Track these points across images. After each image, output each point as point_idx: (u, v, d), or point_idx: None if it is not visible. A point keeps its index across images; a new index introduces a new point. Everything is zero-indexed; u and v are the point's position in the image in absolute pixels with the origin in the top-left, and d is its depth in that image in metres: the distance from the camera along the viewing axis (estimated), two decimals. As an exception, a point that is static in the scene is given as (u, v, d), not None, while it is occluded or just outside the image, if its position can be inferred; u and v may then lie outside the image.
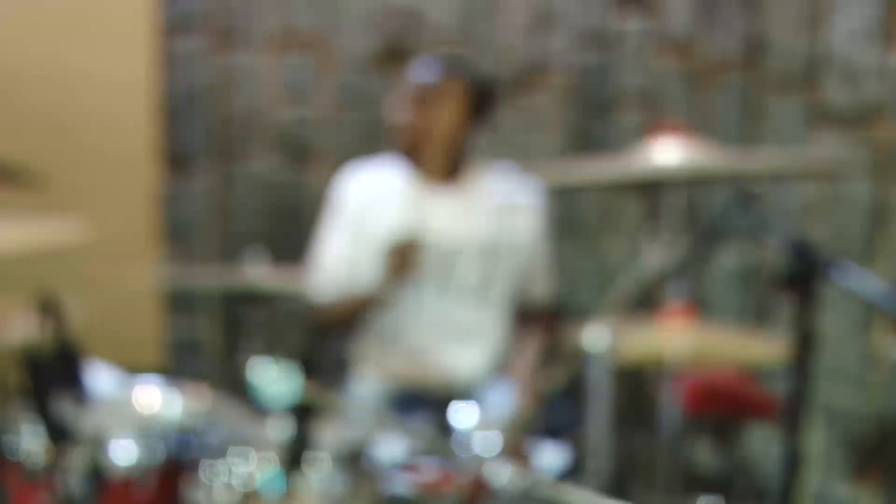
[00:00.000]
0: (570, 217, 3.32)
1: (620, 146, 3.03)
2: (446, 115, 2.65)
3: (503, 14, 3.58)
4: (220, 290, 3.52)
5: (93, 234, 1.72)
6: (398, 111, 2.72)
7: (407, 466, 1.74)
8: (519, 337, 2.71)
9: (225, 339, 3.56)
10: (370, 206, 2.69)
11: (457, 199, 2.69)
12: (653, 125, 1.73)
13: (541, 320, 2.71)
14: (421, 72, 2.76)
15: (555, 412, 2.25)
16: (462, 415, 1.98)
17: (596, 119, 3.14)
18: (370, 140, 3.61)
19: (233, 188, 3.54)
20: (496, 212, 2.70)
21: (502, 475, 1.44)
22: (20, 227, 1.77)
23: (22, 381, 1.59)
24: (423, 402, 2.60)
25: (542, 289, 2.71)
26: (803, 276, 1.94)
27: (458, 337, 2.69)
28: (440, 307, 2.66)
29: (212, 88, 3.50)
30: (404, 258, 2.54)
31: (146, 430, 1.75)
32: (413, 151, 2.68)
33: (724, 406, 2.33)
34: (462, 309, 2.68)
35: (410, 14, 3.64)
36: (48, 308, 1.57)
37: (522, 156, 3.54)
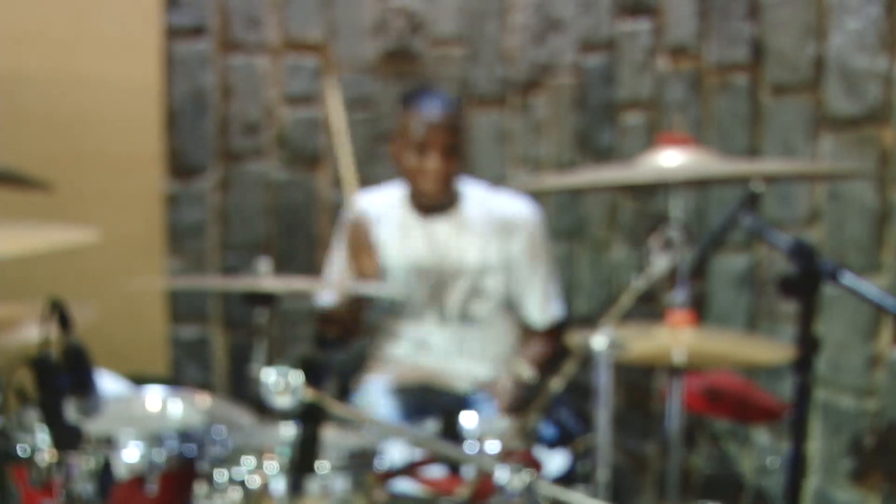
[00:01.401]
0: (575, 222, 3.33)
1: (624, 149, 3.04)
2: (451, 152, 2.66)
3: (507, 18, 3.59)
4: (226, 293, 3.52)
5: (100, 239, 1.73)
6: (407, 154, 2.68)
7: (413, 470, 1.75)
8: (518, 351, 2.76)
9: (231, 343, 3.57)
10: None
11: (450, 224, 2.73)
12: (660, 136, 1.74)
13: (538, 341, 2.76)
14: (424, 110, 2.71)
15: (559, 417, 2.26)
16: (469, 419, 1.99)
17: (600, 122, 3.15)
18: (373, 142, 3.62)
19: (237, 191, 3.55)
20: (489, 233, 2.73)
21: (507, 479, 1.44)
22: (28, 232, 1.77)
23: (30, 384, 1.59)
24: (430, 406, 2.61)
25: (541, 311, 2.76)
26: (807, 279, 1.95)
27: (457, 355, 2.72)
28: (437, 328, 2.69)
29: (216, 91, 3.51)
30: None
31: (154, 433, 1.76)
32: (419, 188, 2.69)
33: (727, 410, 2.33)
34: (458, 328, 2.71)
35: (414, 18, 3.65)
36: (57, 312, 1.58)
37: (526, 159, 3.56)
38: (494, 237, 2.72)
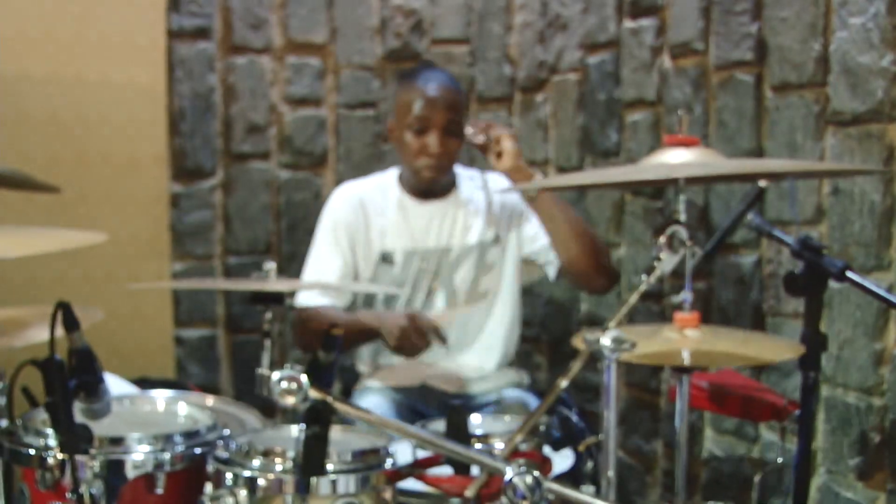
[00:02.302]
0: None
1: (629, 148, 3.04)
2: (453, 132, 2.54)
3: (511, 18, 3.59)
4: (230, 295, 3.53)
5: (106, 240, 1.73)
6: (406, 133, 2.56)
7: (421, 469, 1.75)
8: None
9: (238, 344, 3.57)
10: (363, 224, 2.64)
11: (450, 205, 2.66)
12: (665, 135, 1.74)
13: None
14: (425, 87, 2.55)
15: (564, 416, 2.25)
16: (475, 418, 2.00)
17: (605, 121, 3.15)
18: (377, 141, 3.63)
19: (241, 191, 3.55)
20: (490, 210, 2.66)
21: (516, 479, 1.44)
22: (36, 235, 1.78)
23: (38, 386, 1.60)
24: (436, 406, 2.60)
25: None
26: (814, 277, 1.95)
27: (465, 341, 2.69)
28: (448, 315, 2.64)
29: (219, 93, 3.51)
30: (409, 339, 2.42)
31: (161, 434, 1.76)
32: (418, 170, 2.58)
33: (734, 408, 2.33)
34: (468, 314, 2.66)
35: (419, 17, 3.65)
36: (64, 314, 1.58)
37: (531, 158, 3.55)
38: (498, 212, 2.66)
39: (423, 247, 2.63)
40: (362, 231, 2.65)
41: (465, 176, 2.74)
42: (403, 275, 2.63)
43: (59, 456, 1.64)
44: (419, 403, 2.66)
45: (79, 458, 1.62)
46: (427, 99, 2.53)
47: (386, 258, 2.64)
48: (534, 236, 2.66)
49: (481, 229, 2.65)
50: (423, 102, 2.52)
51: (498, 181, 2.70)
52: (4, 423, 1.80)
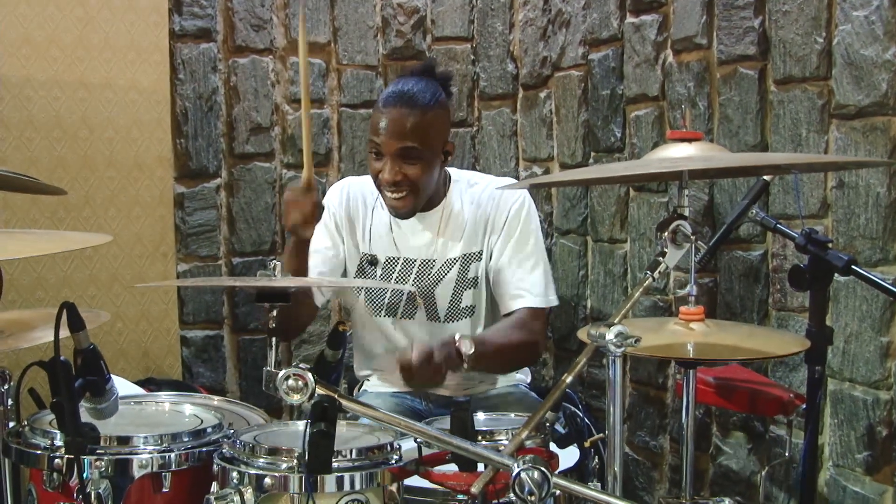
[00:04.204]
0: (586, 218, 3.32)
1: (633, 144, 3.04)
2: (411, 159, 2.41)
3: (515, 14, 3.59)
4: (236, 295, 3.53)
5: (112, 242, 1.74)
6: (368, 156, 2.46)
7: (427, 466, 1.75)
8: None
9: (243, 343, 3.57)
10: (346, 217, 2.63)
11: (435, 222, 2.59)
12: (668, 130, 1.73)
13: (503, 325, 2.50)
14: (384, 106, 2.39)
15: (569, 412, 2.25)
16: (479, 415, 1.99)
17: (608, 117, 3.15)
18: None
19: (245, 192, 3.55)
20: (474, 225, 2.58)
21: (522, 474, 1.44)
22: (42, 237, 1.78)
23: (46, 387, 1.60)
24: (440, 405, 2.60)
25: (511, 295, 2.53)
26: (819, 271, 1.95)
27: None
28: (428, 327, 2.61)
29: (223, 94, 3.51)
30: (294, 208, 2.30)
31: (168, 433, 1.77)
32: (381, 195, 2.50)
33: (740, 403, 2.33)
34: (448, 325, 2.62)
35: (421, 15, 3.65)
36: (70, 315, 1.59)
37: (535, 155, 3.55)
38: (479, 227, 2.57)
39: (405, 256, 2.59)
40: (346, 224, 2.63)
41: (466, 183, 2.65)
42: (385, 278, 2.59)
43: (66, 456, 1.64)
44: (419, 405, 2.65)
45: (85, 458, 1.62)
46: (381, 123, 2.39)
47: (371, 261, 2.61)
48: (497, 267, 2.57)
49: (465, 243, 2.59)
50: (376, 126, 2.40)
51: (494, 187, 2.62)
52: (12, 424, 1.80)
